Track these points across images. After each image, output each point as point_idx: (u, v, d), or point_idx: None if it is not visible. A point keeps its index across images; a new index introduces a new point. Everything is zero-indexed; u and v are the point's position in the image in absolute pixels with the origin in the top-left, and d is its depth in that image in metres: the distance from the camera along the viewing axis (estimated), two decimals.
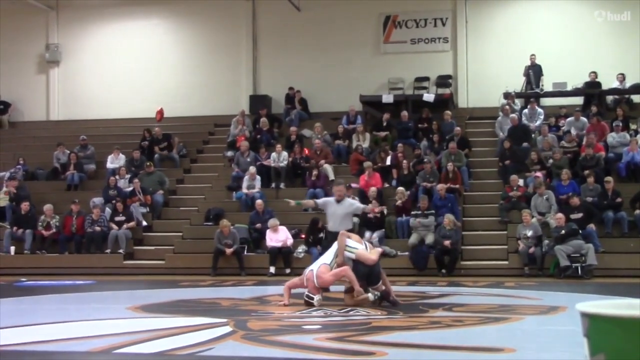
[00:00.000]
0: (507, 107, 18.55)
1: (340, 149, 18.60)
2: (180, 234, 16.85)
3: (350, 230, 10.08)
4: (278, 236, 15.17)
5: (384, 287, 9.19)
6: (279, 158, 17.86)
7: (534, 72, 19.34)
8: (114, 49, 23.10)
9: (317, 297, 9.03)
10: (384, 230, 15.52)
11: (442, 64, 21.07)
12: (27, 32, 23.37)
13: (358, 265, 9.13)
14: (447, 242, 14.48)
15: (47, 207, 16.87)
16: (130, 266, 16.09)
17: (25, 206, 16.94)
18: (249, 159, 17.97)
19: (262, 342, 6.54)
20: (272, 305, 9.40)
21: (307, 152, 18.20)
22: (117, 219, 16.75)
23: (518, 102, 19.40)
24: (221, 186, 18.23)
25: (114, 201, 17.08)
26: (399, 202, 15.83)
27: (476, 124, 20.05)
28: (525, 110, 18.73)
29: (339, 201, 10.66)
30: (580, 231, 14.18)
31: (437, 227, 15.01)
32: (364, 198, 16.10)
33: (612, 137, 17.06)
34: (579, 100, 19.62)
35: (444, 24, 21.29)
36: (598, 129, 17.41)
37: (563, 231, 14.05)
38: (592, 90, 19.16)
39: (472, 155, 18.20)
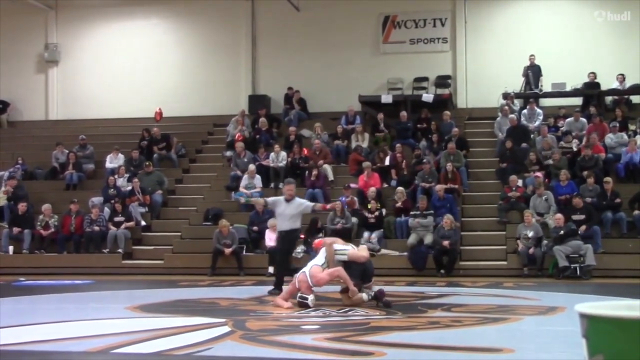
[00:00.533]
0: (506, 107, 18.54)
1: (339, 149, 18.59)
2: (179, 233, 16.84)
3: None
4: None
5: (377, 287, 9.27)
6: (278, 158, 17.85)
7: (533, 72, 19.35)
8: (113, 49, 23.08)
9: (311, 297, 9.03)
10: (382, 230, 15.51)
11: (441, 64, 21.07)
12: (27, 32, 23.34)
13: (351, 265, 9.21)
14: (446, 243, 14.47)
15: (46, 207, 16.85)
16: (129, 266, 16.08)
17: (22, 206, 16.92)
18: (245, 160, 17.97)
19: (261, 342, 6.54)
20: (270, 306, 9.38)
21: (306, 152, 18.19)
22: (116, 218, 16.74)
23: (517, 103, 19.40)
24: (220, 186, 18.21)
25: (112, 201, 17.07)
26: (398, 203, 15.83)
27: (475, 124, 20.04)
28: (525, 111, 18.73)
29: (288, 200, 10.60)
30: (579, 232, 14.18)
31: (435, 227, 15.00)
32: (363, 198, 16.13)
33: (609, 138, 17.07)
34: (578, 101, 19.63)
35: (443, 24, 21.28)
36: (599, 130, 17.41)
37: (562, 232, 14.05)
38: (591, 91, 19.17)
39: (471, 156, 18.19)
